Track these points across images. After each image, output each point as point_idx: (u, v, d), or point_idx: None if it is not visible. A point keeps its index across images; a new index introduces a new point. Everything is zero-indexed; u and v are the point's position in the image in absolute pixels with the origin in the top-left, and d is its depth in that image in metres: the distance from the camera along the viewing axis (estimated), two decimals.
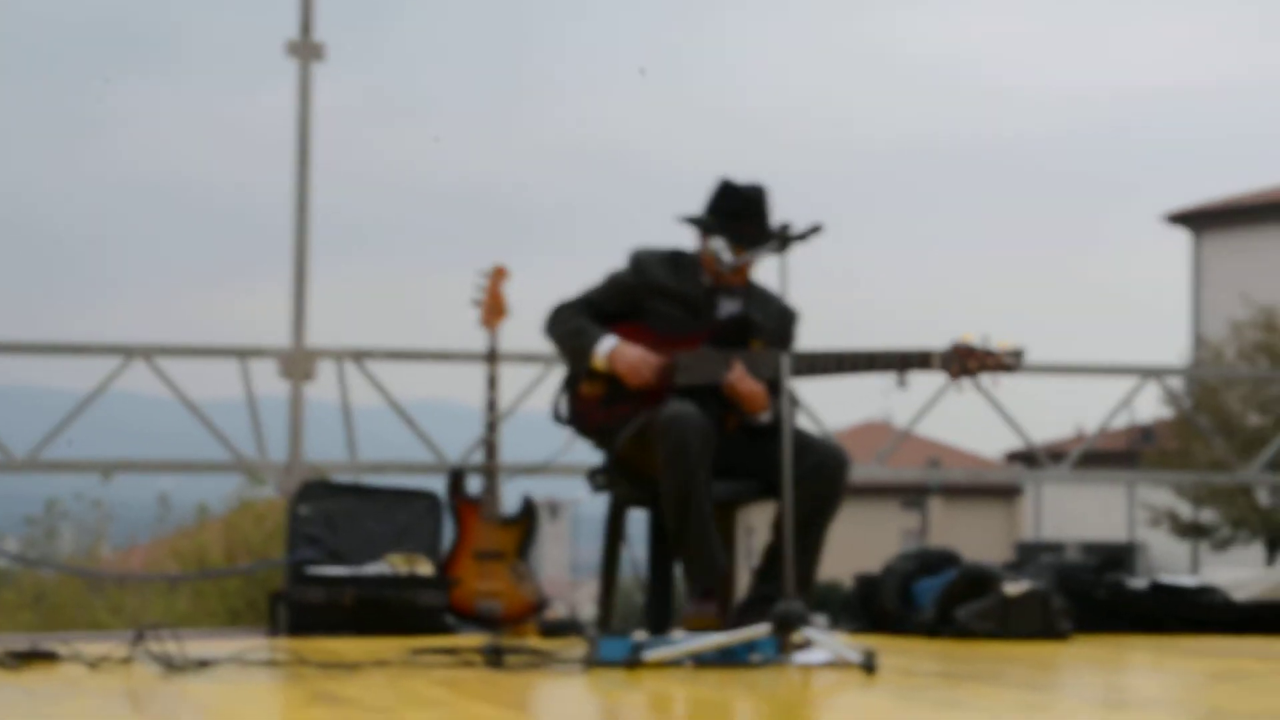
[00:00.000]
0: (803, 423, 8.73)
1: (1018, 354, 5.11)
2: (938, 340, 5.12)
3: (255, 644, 5.55)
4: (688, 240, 5.41)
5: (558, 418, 5.40)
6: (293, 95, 8.14)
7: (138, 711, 3.47)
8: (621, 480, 5.34)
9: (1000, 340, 5.10)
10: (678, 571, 5.35)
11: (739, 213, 5.21)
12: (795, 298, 5.06)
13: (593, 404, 5.32)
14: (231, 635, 6.72)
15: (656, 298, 5.30)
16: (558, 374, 5.54)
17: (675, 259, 5.35)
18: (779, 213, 5.21)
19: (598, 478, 5.41)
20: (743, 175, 5.31)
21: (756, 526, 5.26)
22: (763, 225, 5.18)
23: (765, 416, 5.19)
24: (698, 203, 5.36)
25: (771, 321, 5.28)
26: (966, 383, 5.09)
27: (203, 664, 4.38)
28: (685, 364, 5.24)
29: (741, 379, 5.13)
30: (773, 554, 5.12)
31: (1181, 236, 31.75)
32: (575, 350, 5.33)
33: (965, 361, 5.07)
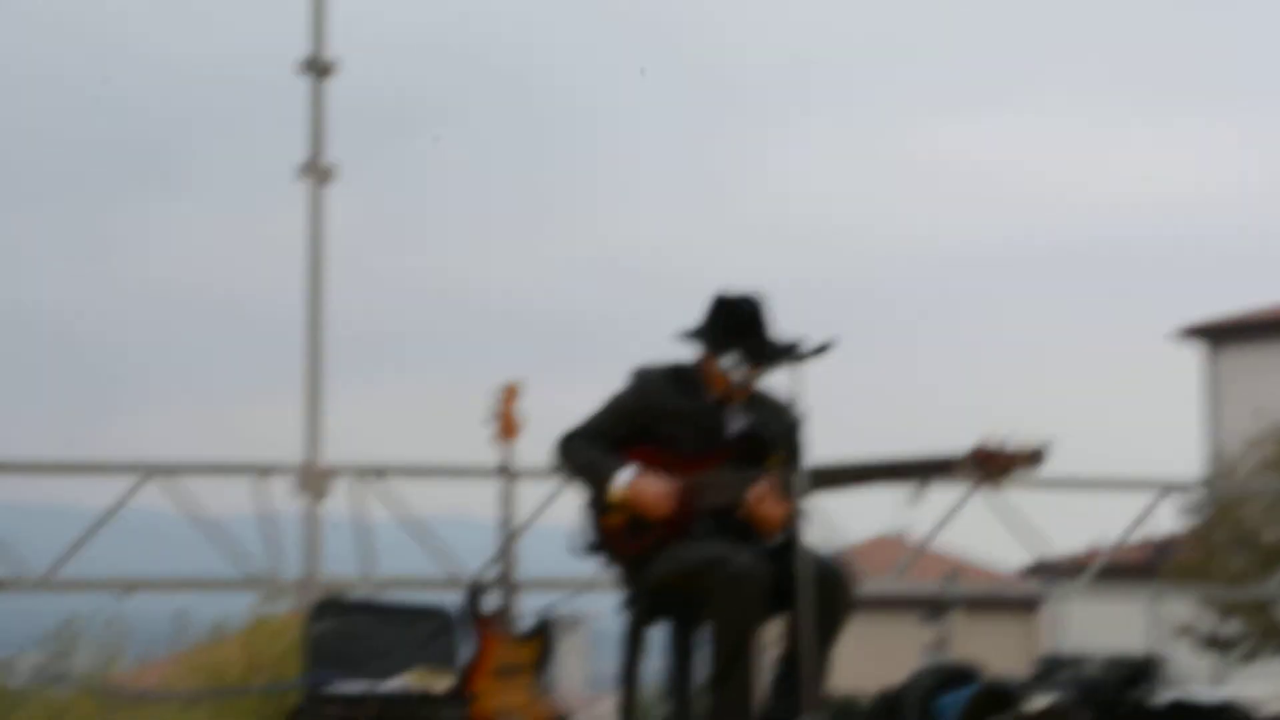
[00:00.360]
0: (817, 536, 8.71)
1: (1040, 453, 5.06)
2: (958, 443, 5.07)
3: None
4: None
5: (582, 547, 5.35)
6: (304, 216, 8.24)
7: None
8: (653, 605, 5.27)
9: (1023, 438, 5.05)
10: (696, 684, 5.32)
11: (740, 328, 5.17)
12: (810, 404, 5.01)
13: (618, 534, 5.26)
14: None
15: (664, 420, 5.24)
16: (575, 491, 5.50)
17: (677, 375, 5.29)
18: (777, 321, 5.19)
19: (629, 609, 5.33)
20: (779, 289, 5.26)
21: (766, 640, 5.21)
22: (763, 338, 5.16)
23: (777, 540, 5.13)
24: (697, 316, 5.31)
25: (784, 430, 5.22)
26: (988, 489, 5.04)
27: None
28: (706, 487, 5.17)
29: (760, 503, 5.08)
30: (787, 667, 5.08)
31: (1196, 351, 31.77)
32: (592, 483, 5.26)
33: (988, 467, 5.03)
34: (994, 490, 5.09)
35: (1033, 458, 5.05)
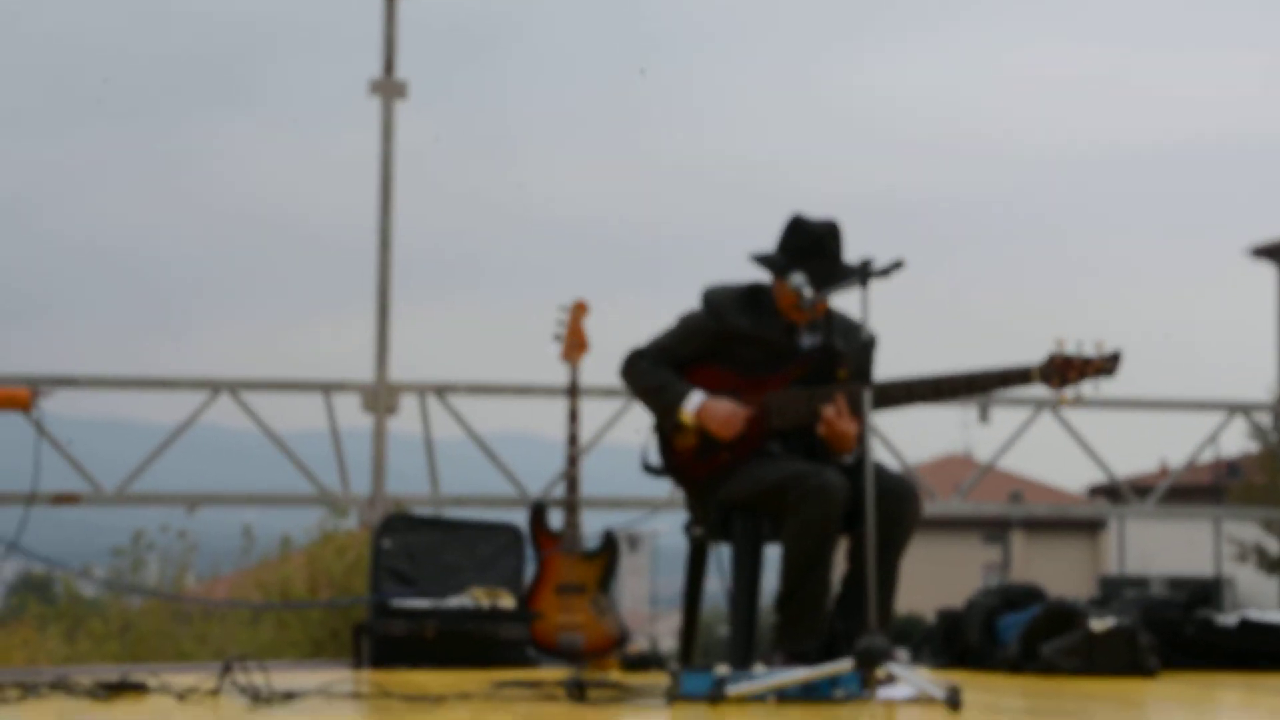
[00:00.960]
0: (882, 456, 8.69)
1: (1116, 357, 5.02)
2: (1027, 356, 5.03)
3: (339, 676, 5.59)
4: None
5: (649, 468, 5.35)
6: (376, 132, 8.23)
7: None
8: (720, 524, 5.28)
9: (1096, 343, 5.01)
10: (762, 604, 5.34)
11: (812, 250, 5.14)
12: (879, 326, 4.99)
13: (688, 456, 5.26)
14: (315, 667, 6.77)
15: (736, 341, 5.23)
16: (639, 410, 5.50)
17: (751, 296, 5.26)
18: (851, 248, 5.16)
19: (696, 530, 5.34)
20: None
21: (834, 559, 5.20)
22: (837, 261, 5.13)
23: (848, 459, 5.13)
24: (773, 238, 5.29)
25: (854, 349, 5.20)
26: (1069, 392, 4.99)
27: (289, 696, 4.42)
28: (777, 406, 5.16)
29: (838, 418, 5.05)
30: (850, 586, 5.08)
31: (1268, 270, 31.37)
32: (660, 407, 5.25)
33: (1065, 372, 5.00)
34: (1071, 398, 5.02)
35: (1109, 362, 5.00)
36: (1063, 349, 4.98)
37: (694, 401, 5.18)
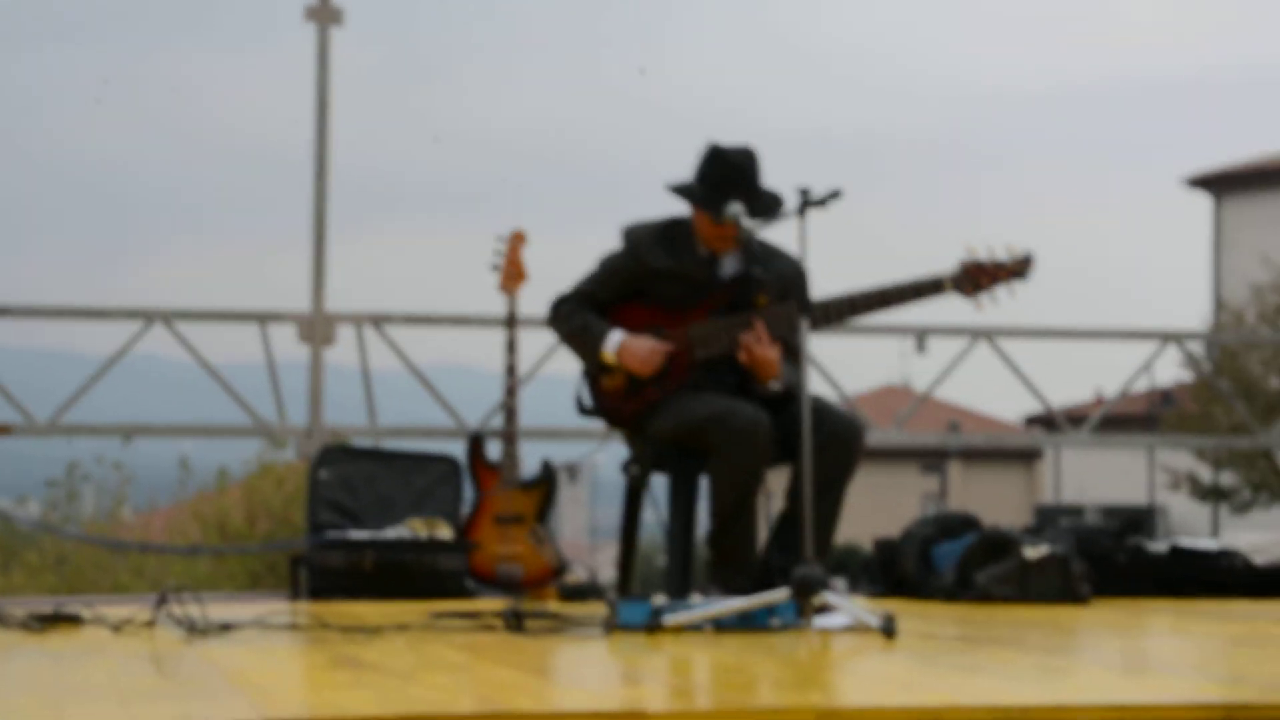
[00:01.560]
0: (820, 388, 8.72)
1: (1028, 259, 5.03)
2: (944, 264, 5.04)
3: (277, 608, 5.58)
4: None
5: (582, 409, 5.35)
6: (312, 59, 8.14)
7: (161, 675, 3.49)
8: (654, 458, 5.28)
9: (1008, 247, 5.02)
10: (698, 535, 5.36)
11: (733, 178, 5.11)
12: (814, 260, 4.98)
13: (617, 396, 5.26)
14: (252, 599, 6.75)
15: (656, 277, 5.21)
16: (568, 356, 5.48)
17: (670, 230, 5.23)
18: (817, 182, 5.14)
19: (632, 468, 5.35)
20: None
21: (774, 490, 5.22)
22: (757, 187, 5.11)
23: (776, 385, 5.11)
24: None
25: (775, 276, 5.17)
26: (985, 299, 5.00)
27: (225, 627, 4.40)
28: (700, 336, 5.16)
29: (754, 345, 5.05)
30: (789, 520, 5.10)
31: (1203, 200, 31.61)
32: (583, 350, 5.26)
33: (978, 279, 5.01)
34: (986, 301, 5.03)
35: (1020, 265, 5.02)
36: (974, 255, 4.99)
37: (613, 341, 5.19)
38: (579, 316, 5.28)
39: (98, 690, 3.14)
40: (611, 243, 5.34)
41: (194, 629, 4.36)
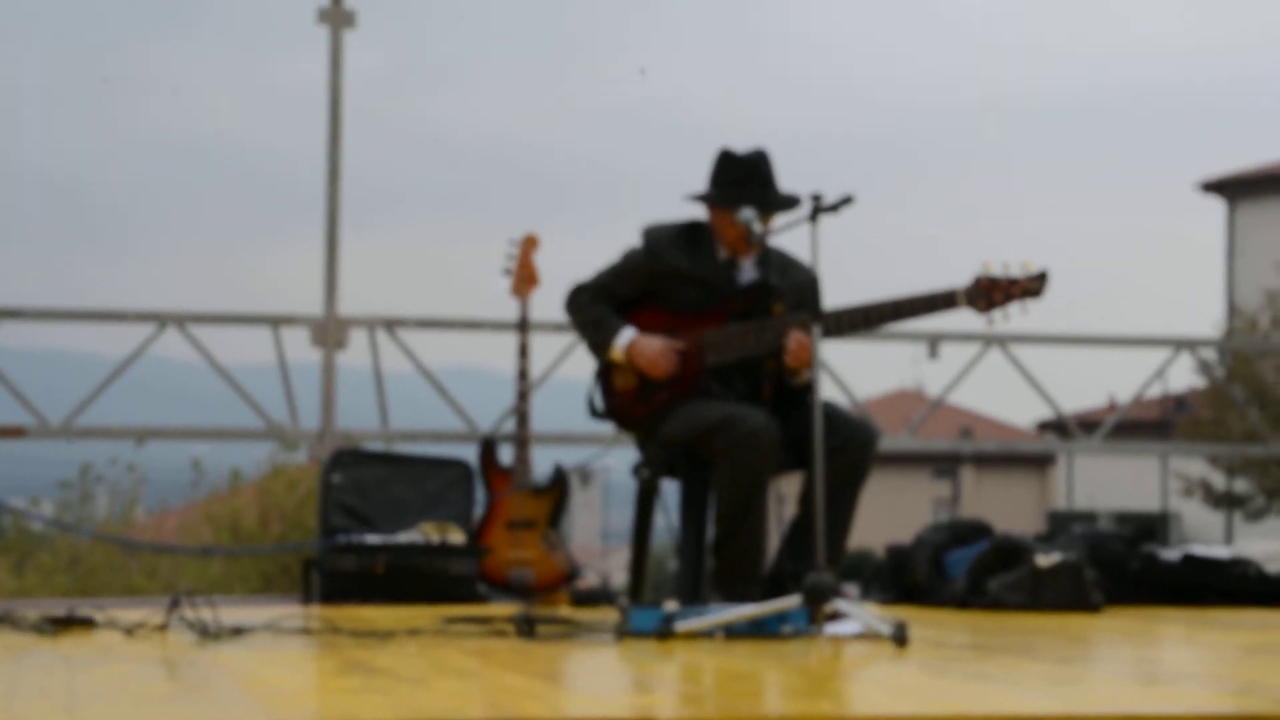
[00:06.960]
0: (833, 393, 8.72)
1: (1043, 276, 5.02)
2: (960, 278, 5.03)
3: (289, 612, 5.58)
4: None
5: (594, 412, 5.35)
6: (324, 62, 8.15)
7: (173, 679, 3.49)
8: (665, 463, 5.28)
9: (1022, 263, 5.01)
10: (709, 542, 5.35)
11: (748, 178, 5.12)
12: (824, 266, 4.98)
13: (628, 397, 5.26)
14: (265, 602, 6.76)
15: (673, 279, 5.21)
16: (582, 346, 5.49)
17: (690, 233, 5.24)
18: (782, 176, 5.16)
19: (642, 471, 5.34)
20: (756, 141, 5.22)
21: (788, 495, 5.22)
22: (772, 187, 5.13)
23: (808, 375, 5.08)
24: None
25: (792, 285, 5.19)
26: (997, 315, 4.99)
27: (237, 631, 4.41)
28: (714, 342, 5.16)
29: (801, 349, 4.99)
30: (802, 527, 5.10)
31: (1216, 205, 31.54)
32: (594, 342, 5.27)
33: (991, 295, 5.00)
34: (1000, 317, 5.01)
35: (1035, 282, 5.01)
36: (989, 270, 4.98)
37: (625, 338, 5.19)
38: (596, 308, 5.28)
39: (110, 695, 3.15)
40: (627, 245, 5.35)
41: (206, 633, 4.37)
